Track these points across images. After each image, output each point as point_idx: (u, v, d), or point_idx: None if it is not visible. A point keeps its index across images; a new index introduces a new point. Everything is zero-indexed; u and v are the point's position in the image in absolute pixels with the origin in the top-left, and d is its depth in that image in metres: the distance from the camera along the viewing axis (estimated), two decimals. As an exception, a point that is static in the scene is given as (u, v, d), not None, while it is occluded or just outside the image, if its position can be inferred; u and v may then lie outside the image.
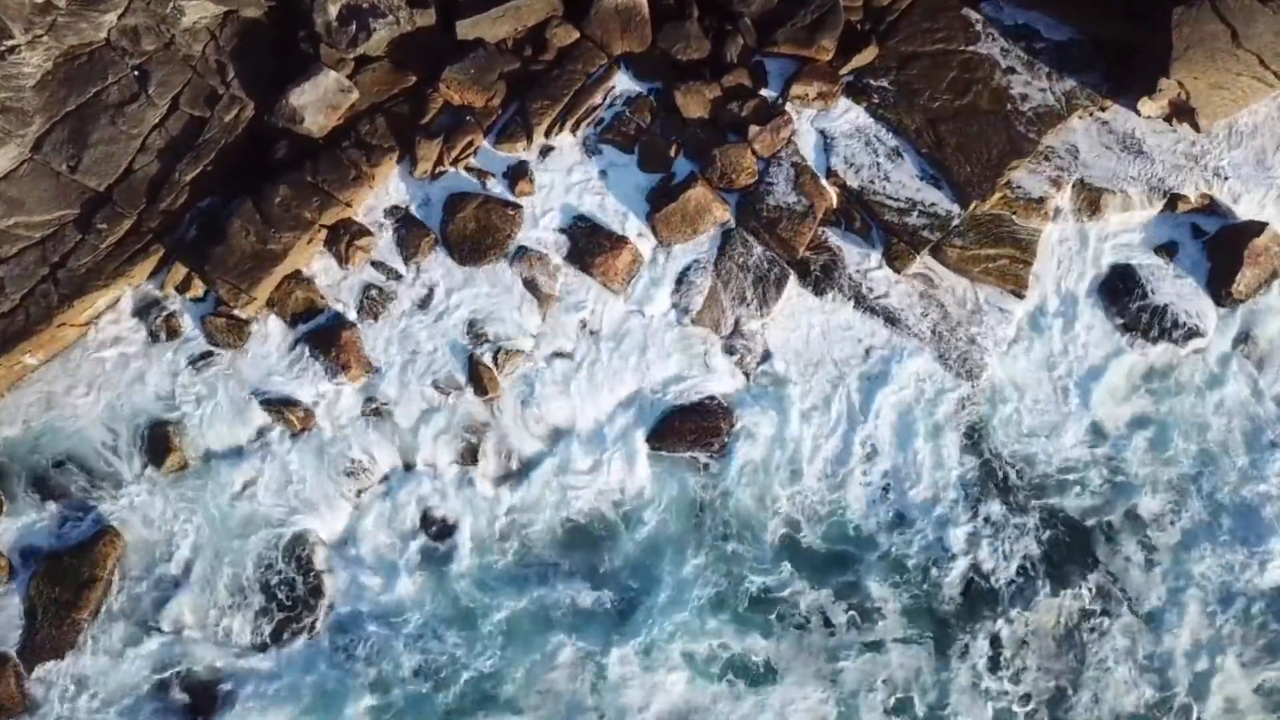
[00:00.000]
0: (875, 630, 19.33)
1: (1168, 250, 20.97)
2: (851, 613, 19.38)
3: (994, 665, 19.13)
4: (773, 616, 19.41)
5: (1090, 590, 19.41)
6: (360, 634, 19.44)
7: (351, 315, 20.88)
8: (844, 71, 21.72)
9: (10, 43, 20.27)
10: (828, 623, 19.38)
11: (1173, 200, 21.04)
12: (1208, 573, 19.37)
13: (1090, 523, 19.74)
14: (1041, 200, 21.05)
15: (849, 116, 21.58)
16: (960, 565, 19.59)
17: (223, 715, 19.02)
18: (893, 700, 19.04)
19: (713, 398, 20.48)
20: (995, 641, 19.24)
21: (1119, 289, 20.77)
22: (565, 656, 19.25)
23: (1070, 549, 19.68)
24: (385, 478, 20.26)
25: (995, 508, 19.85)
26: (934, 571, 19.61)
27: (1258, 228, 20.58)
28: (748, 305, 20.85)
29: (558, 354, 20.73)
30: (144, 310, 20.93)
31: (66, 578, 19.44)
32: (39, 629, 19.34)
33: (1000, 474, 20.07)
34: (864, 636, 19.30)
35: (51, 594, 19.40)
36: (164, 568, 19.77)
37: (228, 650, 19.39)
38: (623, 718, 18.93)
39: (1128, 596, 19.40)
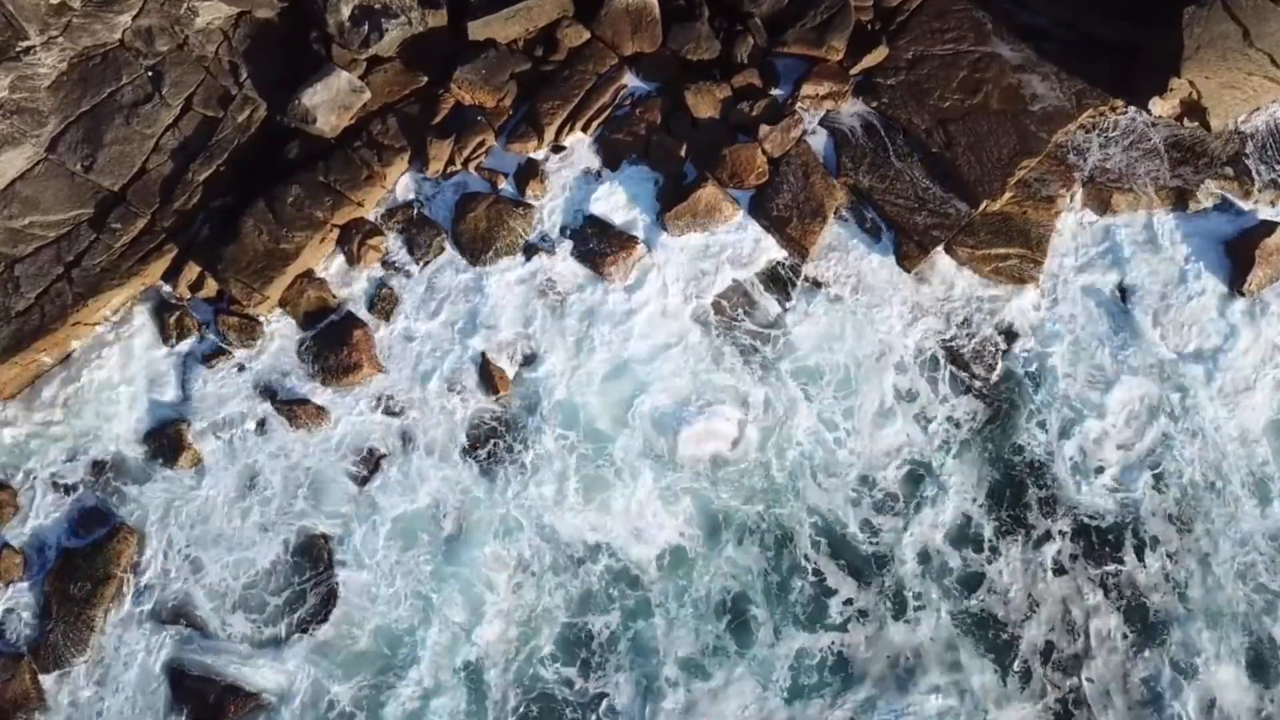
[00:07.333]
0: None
1: (1177, 249, 20.98)
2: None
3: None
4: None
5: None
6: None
7: (363, 314, 20.99)
8: (854, 71, 21.76)
9: (26, 43, 20.41)
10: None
11: (1184, 198, 21.08)
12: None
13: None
14: (1052, 199, 21.05)
15: (859, 116, 21.63)
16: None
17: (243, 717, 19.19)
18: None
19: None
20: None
21: (1129, 286, 20.81)
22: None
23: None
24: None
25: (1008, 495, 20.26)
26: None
27: (1269, 228, 20.58)
28: (761, 301, 20.93)
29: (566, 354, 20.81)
30: (157, 309, 21.05)
31: (81, 574, 19.55)
32: (53, 627, 19.43)
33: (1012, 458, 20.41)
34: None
35: (66, 591, 19.51)
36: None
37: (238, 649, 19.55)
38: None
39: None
